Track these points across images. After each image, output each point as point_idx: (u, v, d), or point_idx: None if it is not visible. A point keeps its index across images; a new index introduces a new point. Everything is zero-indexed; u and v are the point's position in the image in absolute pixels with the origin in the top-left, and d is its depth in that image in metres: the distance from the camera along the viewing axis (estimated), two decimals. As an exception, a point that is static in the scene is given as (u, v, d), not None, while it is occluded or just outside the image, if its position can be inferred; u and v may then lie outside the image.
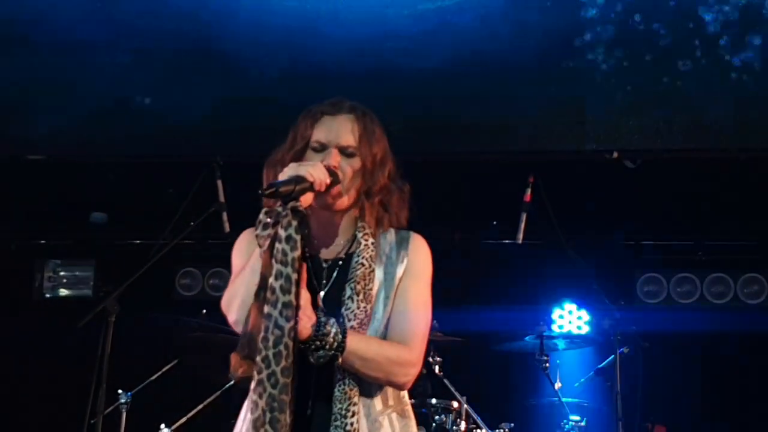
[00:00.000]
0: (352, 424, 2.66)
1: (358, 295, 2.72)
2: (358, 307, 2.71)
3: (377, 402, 2.75)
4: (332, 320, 2.64)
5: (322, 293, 2.76)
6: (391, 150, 2.90)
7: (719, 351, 7.03)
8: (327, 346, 2.61)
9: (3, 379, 7.33)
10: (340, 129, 2.81)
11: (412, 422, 2.85)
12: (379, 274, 2.78)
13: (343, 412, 2.66)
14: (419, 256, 2.85)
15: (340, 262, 2.81)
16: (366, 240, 2.80)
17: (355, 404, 2.67)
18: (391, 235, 2.86)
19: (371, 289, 2.74)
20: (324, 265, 2.81)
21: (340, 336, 2.62)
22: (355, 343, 2.64)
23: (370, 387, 2.73)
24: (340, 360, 2.64)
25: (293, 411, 2.54)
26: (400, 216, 2.88)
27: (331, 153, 2.77)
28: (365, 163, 2.80)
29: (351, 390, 2.68)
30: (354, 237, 2.83)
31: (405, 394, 2.86)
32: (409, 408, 2.86)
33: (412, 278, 2.81)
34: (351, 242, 2.83)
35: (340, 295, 2.74)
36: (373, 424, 2.72)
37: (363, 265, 2.76)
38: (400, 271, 2.80)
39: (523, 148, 6.29)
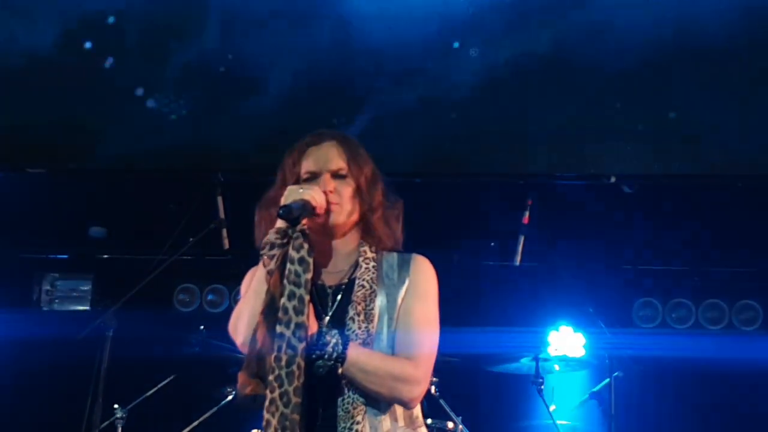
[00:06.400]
0: None
1: (359, 315, 2.74)
2: (359, 327, 2.72)
3: (385, 422, 2.73)
4: (334, 331, 2.68)
5: (326, 318, 2.77)
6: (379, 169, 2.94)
7: (713, 377, 7.02)
8: (326, 356, 2.64)
9: (-1, 392, 7.32)
10: (327, 155, 2.86)
11: None
12: (381, 295, 2.79)
13: (346, 431, 2.66)
14: (421, 275, 2.86)
15: (343, 287, 2.83)
16: (367, 264, 2.83)
17: (358, 423, 2.67)
18: (393, 258, 2.87)
19: (372, 309, 2.76)
20: (328, 290, 2.84)
21: (340, 347, 2.64)
22: (356, 354, 2.66)
23: (377, 406, 2.72)
24: (340, 371, 2.65)
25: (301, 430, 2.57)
26: (397, 231, 2.91)
27: (324, 179, 2.81)
28: (359, 183, 2.85)
29: (354, 408, 2.68)
30: (356, 262, 2.85)
31: (418, 414, 2.83)
32: (423, 429, 2.83)
33: (415, 297, 2.82)
34: (354, 267, 2.85)
35: (344, 318, 2.75)
36: None
37: (363, 287, 2.79)
38: (402, 292, 2.81)
39: (522, 171, 6.32)
